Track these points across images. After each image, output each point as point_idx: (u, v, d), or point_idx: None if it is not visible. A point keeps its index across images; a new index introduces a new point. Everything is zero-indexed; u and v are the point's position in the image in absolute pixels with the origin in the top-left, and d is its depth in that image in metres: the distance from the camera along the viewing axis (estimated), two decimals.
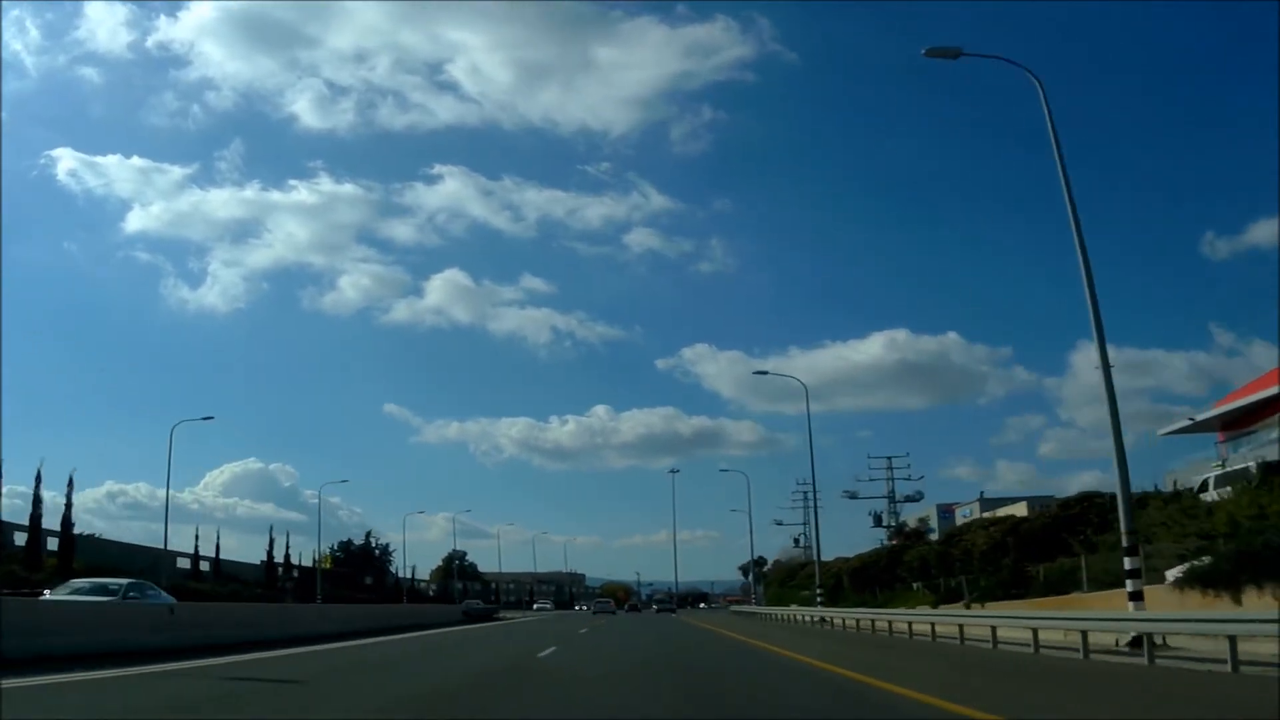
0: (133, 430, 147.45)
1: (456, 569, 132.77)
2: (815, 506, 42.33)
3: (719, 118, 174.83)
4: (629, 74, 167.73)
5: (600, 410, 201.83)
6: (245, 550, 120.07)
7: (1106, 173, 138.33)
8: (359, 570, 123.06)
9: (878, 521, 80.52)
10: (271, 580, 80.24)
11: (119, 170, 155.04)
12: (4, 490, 45.87)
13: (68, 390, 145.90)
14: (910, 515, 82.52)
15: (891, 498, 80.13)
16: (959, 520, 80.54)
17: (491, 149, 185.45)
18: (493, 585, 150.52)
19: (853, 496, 77.79)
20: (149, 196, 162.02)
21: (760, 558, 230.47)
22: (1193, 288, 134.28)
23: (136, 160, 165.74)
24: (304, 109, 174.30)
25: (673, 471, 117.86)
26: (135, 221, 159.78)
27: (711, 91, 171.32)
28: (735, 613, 72.52)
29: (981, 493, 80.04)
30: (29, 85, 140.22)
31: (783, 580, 68.62)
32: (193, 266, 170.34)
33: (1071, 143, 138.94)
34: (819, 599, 41.55)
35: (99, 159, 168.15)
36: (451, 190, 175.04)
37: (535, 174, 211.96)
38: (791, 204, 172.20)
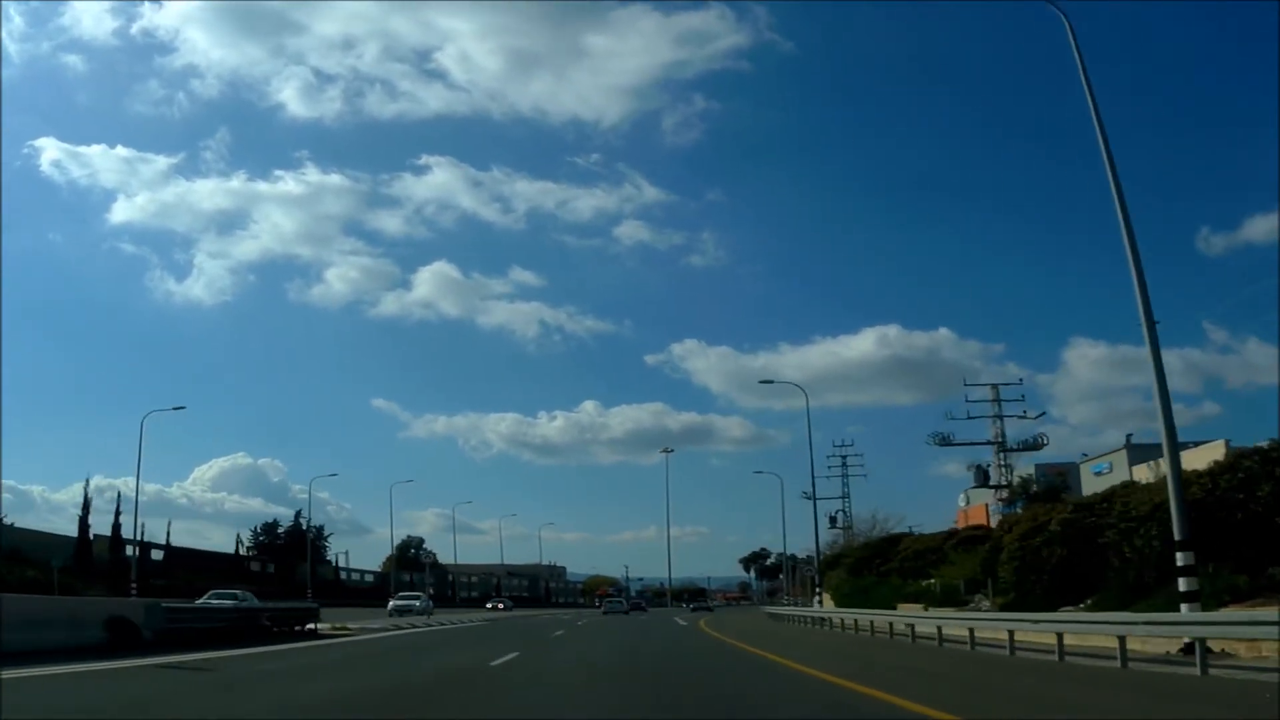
0: (121, 425, 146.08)
1: (395, 560, 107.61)
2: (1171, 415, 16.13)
3: (712, 107, 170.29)
4: (621, 62, 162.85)
5: (589, 406, 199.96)
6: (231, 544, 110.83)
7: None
8: (283, 557, 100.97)
9: (983, 478, 55.16)
10: (83, 561, 54.60)
11: (103, 160, 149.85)
12: None
13: (54, 384, 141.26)
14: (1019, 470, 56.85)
15: (1002, 444, 54.83)
16: (1088, 479, 55.48)
17: (481, 139, 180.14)
18: (450, 578, 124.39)
19: (944, 442, 52.68)
20: (134, 187, 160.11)
21: (763, 549, 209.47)
22: (1187, 284, 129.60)
23: (121, 150, 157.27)
24: (290, 97, 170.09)
25: (666, 451, 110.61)
26: (120, 212, 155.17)
27: (705, 81, 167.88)
28: (775, 616, 47.34)
29: (1129, 437, 54.35)
30: (12, 73, 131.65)
31: (858, 566, 42.29)
32: (178, 258, 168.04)
33: (1068, 138, 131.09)
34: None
35: (83, 149, 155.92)
36: (440, 181, 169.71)
37: (525, 165, 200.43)
38: (785, 196, 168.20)
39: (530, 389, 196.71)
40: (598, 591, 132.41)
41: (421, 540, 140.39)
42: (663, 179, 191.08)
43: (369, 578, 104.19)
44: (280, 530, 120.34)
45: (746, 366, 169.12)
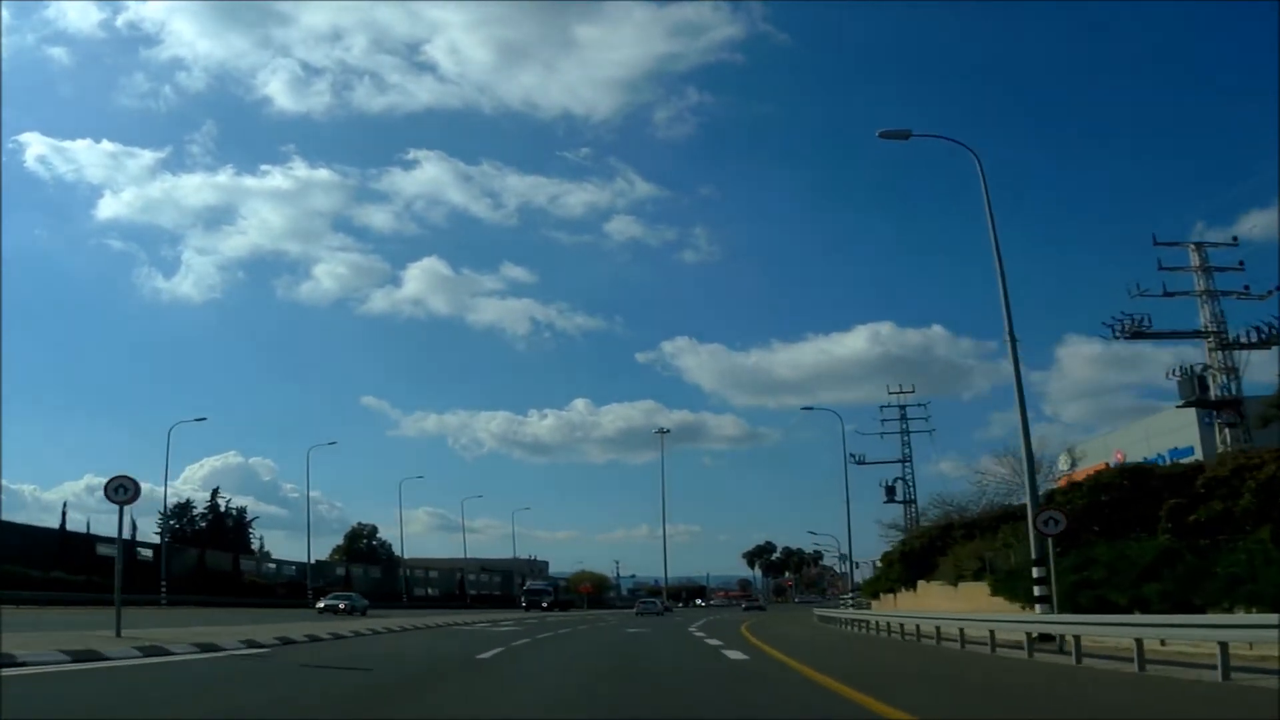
0: (111, 422, 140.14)
1: (345, 550, 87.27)
2: None
3: (705, 100, 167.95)
4: (612, 54, 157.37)
5: (580, 404, 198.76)
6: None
7: (1097, 162, 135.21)
8: (194, 544, 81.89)
9: (1198, 390, 34.36)
10: None
11: (89, 155, 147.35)
12: None
13: (44, 382, 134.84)
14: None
15: (1222, 336, 34.00)
16: None
17: (471, 133, 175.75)
18: (403, 572, 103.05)
19: (1137, 333, 32.36)
20: (120, 182, 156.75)
21: (768, 542, 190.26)
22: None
23: (107, 144, 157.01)
24: (278, 90, 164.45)
25: (662, 432, 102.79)
26: (107, 208, 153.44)
27: (698, 73, 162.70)
28: (829, 619, 26.73)
29: None
30: None
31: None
32: (166, 254, 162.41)
33: (1063, 134, 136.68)
34: None
35: (68, 144, 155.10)
36: (430, 176, 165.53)
37: (516, 159, 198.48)
38: (778, 191, 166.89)
39: (521, 387, 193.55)
40: (579, 588, 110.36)
41: (375, 529, 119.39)
42: (655, 173, 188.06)
43: (290, 569, 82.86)
44: (195, 512, 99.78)
45: (739, 364, 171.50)
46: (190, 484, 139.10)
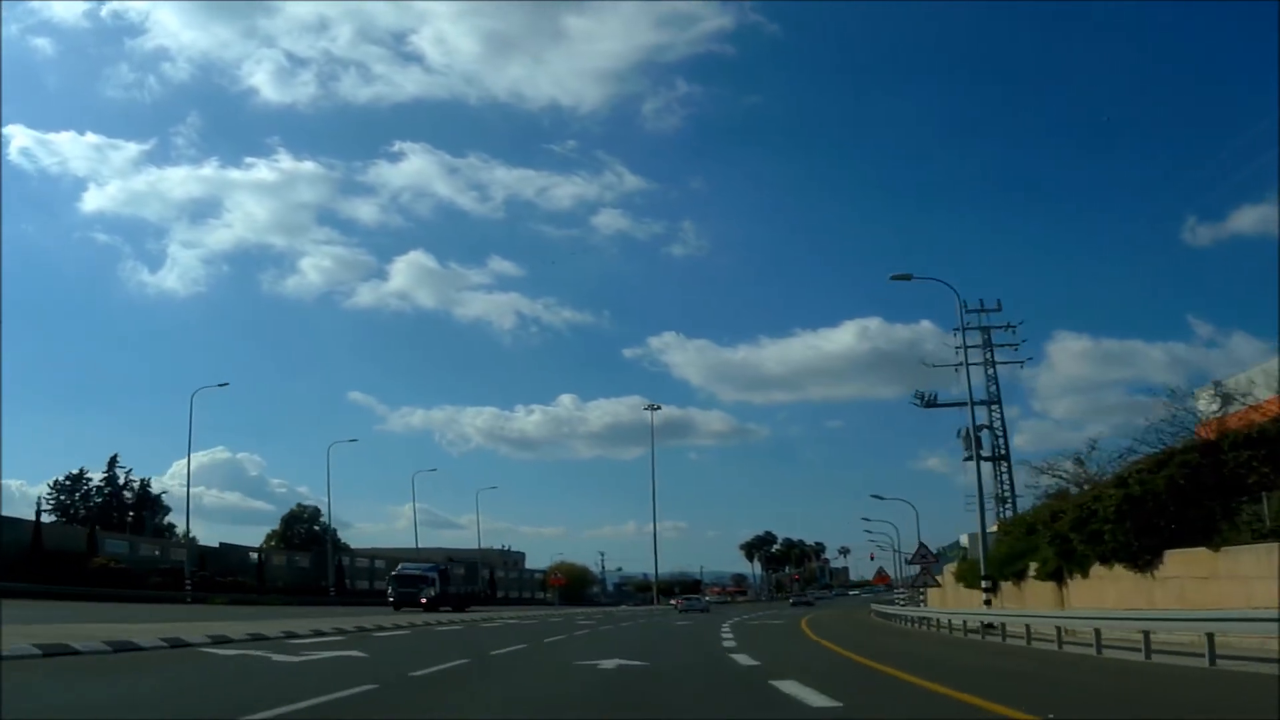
0: (98, 418, 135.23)
1: (280, 535, 70.15)
2: None
3: (694, 92, 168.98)
4: (600, 45, 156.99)
5: (566, 399, 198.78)
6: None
7: (1090, 158, 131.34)
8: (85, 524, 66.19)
9: None
10: None
11: (73, 147, 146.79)
12: None
13: (30, 377, 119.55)
14: None
15: None
16: None
17: (457, 125, 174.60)
18: (341, 561, 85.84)
19: None
20: (105, 175, 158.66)
21: (768, 533, 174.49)
22: (1172, 278, 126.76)
23: (91, 137, 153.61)
24: (263, 81, 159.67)
25: (653, 408, 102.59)
26: (91, 201, 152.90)
27: (687, 65, 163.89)
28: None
29: None
30: None
31: None
32: (151, 248, 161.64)
33: (1055, 130, 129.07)
34: None
35: (52, 136, 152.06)
36: (416, 168, 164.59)
37: (502, 151, 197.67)
38: (767, 184, 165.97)
39: (507, 382, 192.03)
40: (550, 581, 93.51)
41: (317, 511, 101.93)
42: (643, 166, 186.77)
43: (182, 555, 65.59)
44: (90, 486, 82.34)
45: (727, 360, 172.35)
46: (177, 479, 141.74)
